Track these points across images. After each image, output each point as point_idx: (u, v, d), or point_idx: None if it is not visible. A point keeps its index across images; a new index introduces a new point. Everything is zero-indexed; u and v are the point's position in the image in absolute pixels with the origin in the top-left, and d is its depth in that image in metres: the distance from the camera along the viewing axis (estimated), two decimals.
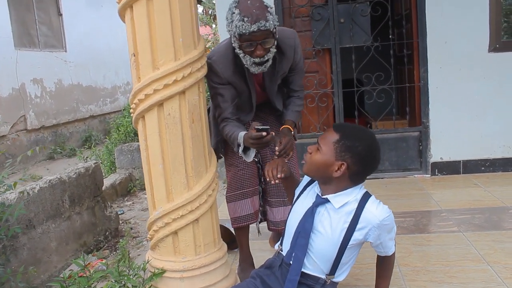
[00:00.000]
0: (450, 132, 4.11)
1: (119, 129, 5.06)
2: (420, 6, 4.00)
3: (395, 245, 1.78)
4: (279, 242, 1.92)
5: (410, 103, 4.30)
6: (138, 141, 4.74)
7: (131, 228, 3.51)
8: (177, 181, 1.83)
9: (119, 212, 3.69)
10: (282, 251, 1.86)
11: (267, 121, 2.34)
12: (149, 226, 1.91)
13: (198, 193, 1.84)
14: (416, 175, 4.22)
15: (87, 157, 5.09)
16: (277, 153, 1.98)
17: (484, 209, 3.17)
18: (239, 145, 2.02)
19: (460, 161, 4.16)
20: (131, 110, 1.87)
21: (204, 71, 1.89)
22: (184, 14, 1.77)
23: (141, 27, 1.75)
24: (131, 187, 4.44)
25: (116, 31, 9.32)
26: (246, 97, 2.22)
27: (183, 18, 1.76)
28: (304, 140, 4.00)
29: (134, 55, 1.79)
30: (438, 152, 4.18)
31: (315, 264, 1.75)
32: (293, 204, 1.89)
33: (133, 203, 4.19)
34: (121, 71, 9.81)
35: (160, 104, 1.77)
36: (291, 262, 1.77)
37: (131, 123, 4.97)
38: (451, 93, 4.07)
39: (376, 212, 1.69)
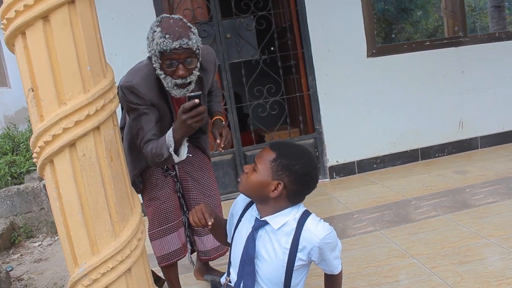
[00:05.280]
0: (342, 135, 4.32)
1: None
2: (302, 18, 4.13)
3: (341, 263, 1.74)
4: (225, 274, 1.79)
5: (302, 112, 4.42)
6: (16, 185, 4.22)
7: (26, 286, 3.04)
8: (102, 229, 1.58)
9: (7, 269, 3.19)
10: (230, 282, 1.73)
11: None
12: (71, 287, 1.63)
13: (127, 239, 1.62)
14: None
15: None
16: (222, 145, 1.97)
17: (390, 204, 3.36)
18: (168, 148, 1.80)
19: (354, 161, 4.39)
20: (34, 155, 1.58)
21: (116, 102, 1.68)
22: (89, 39, 1.54)
23: (39, 56, 1.48)
24: (15, 237, 3.88)
25: None
26: (167, 122, 2.04)
27: (88, 43, 1.54)
28: None
29: (33, 90, 1.52)
30: (333, 156, 4.36)
31: None
32: (234, 231, 1.77)
33: (21, 255, 3.65)
34: None
35: (72, 144, 1.52)
36: None
37: (6, 166, 4.38)
38: (339, 98, 4.27)
39: (316, 230, 1.63)
